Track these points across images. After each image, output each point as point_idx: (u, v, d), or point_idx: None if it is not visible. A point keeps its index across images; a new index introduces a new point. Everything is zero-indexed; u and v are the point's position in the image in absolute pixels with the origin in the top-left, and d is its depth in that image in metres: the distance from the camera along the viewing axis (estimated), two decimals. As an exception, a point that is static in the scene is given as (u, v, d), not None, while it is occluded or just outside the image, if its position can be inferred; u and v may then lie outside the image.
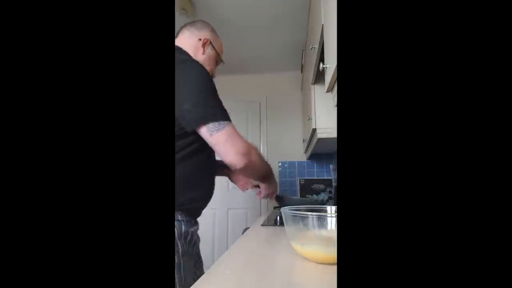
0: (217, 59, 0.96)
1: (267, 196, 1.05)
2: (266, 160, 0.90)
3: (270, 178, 0.99)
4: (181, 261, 0.75)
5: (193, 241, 0.82)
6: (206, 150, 0.80)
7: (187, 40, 0.91)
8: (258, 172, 0.86)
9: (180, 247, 0.75)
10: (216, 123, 0.71)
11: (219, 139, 0.72)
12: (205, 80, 0.74)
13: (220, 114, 0.73)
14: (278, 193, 1.17)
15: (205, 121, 0.71)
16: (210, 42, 0.92)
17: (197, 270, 0.88)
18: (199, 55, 0.91)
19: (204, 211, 1.01)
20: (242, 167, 0.74)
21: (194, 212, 0.84)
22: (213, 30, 0.96)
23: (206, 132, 0.72)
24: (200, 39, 0.91)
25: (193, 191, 0.80)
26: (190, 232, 0.80)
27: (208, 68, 0.90)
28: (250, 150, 0.76)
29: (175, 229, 0.75)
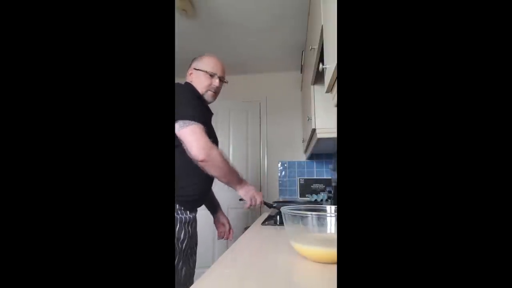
0: (207, 75, 1.06)
1: (254, 203, 1.05)
2: (232, 164, 1.01)
3: (242, 182, 1.04)
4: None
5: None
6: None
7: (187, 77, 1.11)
8: (221, 168, 0.95)
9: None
10: (181, 122, 0.88)
11: (184, 134, 0.88)
12: (180, 92, 0.93)
13: (188, 116, 0.89)
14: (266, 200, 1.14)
15: (175, 119, 0.89)
16: (194, 68, 1.08)
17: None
18: (190, 79, 1.08)
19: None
20: (202, 159, 0.89)
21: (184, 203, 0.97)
22: (198, 58, 1.10)
23: (176, 128, 0.89)
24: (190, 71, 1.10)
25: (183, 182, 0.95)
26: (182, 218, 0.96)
27: (201, 85, 1.05)
28: (212, 148, 0.91)
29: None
